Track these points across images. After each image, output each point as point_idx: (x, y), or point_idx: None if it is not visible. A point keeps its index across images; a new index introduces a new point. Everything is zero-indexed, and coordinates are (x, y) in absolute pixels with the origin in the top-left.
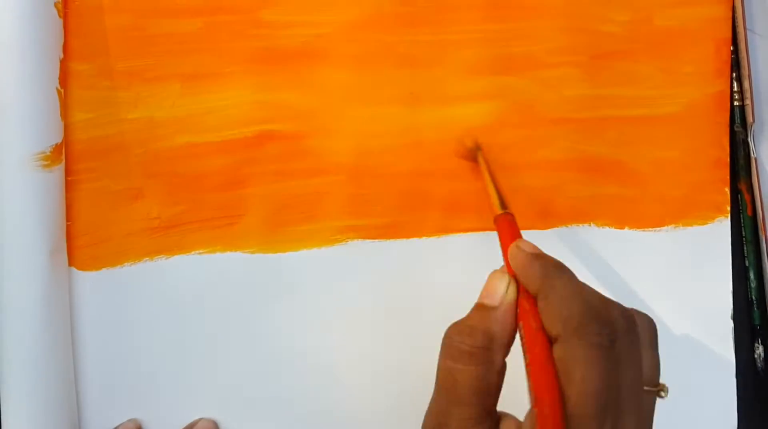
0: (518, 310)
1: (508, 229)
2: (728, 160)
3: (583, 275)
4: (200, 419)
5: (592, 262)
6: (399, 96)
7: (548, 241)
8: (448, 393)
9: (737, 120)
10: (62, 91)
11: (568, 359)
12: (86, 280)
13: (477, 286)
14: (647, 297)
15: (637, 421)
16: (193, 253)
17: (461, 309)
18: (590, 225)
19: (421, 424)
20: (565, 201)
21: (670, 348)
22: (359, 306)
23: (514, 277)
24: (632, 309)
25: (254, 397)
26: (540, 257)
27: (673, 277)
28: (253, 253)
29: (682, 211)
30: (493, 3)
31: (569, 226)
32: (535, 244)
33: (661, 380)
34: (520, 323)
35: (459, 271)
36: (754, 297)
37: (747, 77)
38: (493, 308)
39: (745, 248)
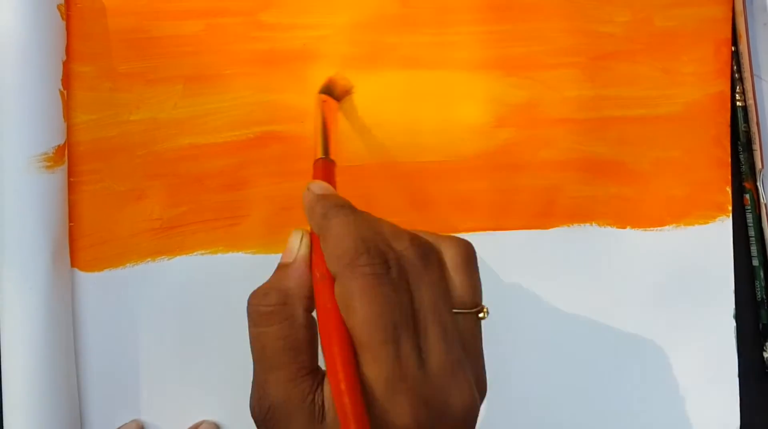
0: (311, 262)
1: (319, 173)
2: (729, 159)
3: (585, 274)
4: (203, 421)
5: (594, 262)
6: (400, 97)
7: (550, 240)
8: (260, 361)
9: (741, 120)
10: (65, 92)
11: (345, 294)
12: (89, 281)
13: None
14: (649, 296)
15: (445, 339)
16: (195, 253)
17: None
18: (592, 225)
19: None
20: (567, 201)
21: (672, 348)
22: None
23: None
24: (441, 235)
25: None
26: (324, 198)
27: (674, 276)
28: (254, 253)
29: (683, 211)
30: (494, 4)
31: (571, 225)
32: (536, 243)
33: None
34: (312, 274)
35: None
36: (763, 296)
37: (756, 123)
38: (287, 265)
39: (754, 247)
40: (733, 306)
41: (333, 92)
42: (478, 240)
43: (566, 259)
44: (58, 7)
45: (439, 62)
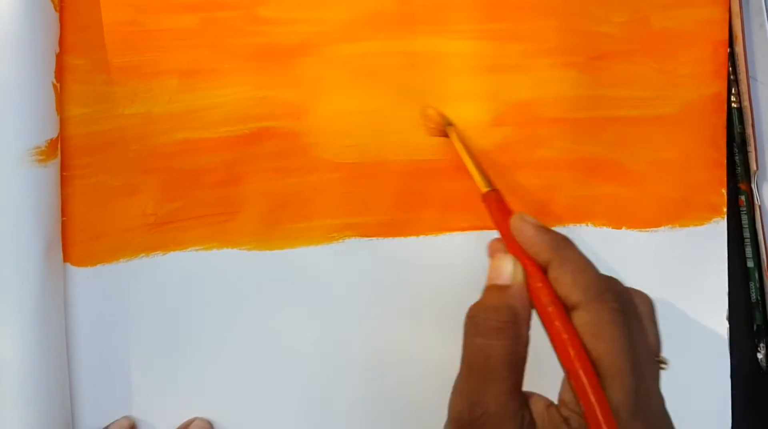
0: (528, 287)
1: (499, 206)
2: (724, 161)
3: None
4: (195, 418)
5: None
6: (397, 94)
7: None
8: (480, 370)
9: (736, 122)
10: (58, 85)
11: (595, 323)
12: (81, 276)
13: (474, 285)
14: None
15: (657, 386)
16: (189, 249)
17: (458, 307)
18: (587, 225)
19: (447, 408)
20: (563, 201)
21: (665, 349)
22: (356, 304)
23: (516, 253)
24: (629, 287)
25: (249, 395)
26: (547, 229)
27: (669, 277)
28: (249, 250)
29: (678, 212)
30: (492, 3)
31: (566, 225)
32: None
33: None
34: (534, 300)
35: (456, 269)
36: (758, 298)
37: (751, 125)
38: (507, 287)
39: (749, 249)
40: (727, 307)
41: (451, 122)
42: (473, 239)
43: None
44: None
45: (436, 60)
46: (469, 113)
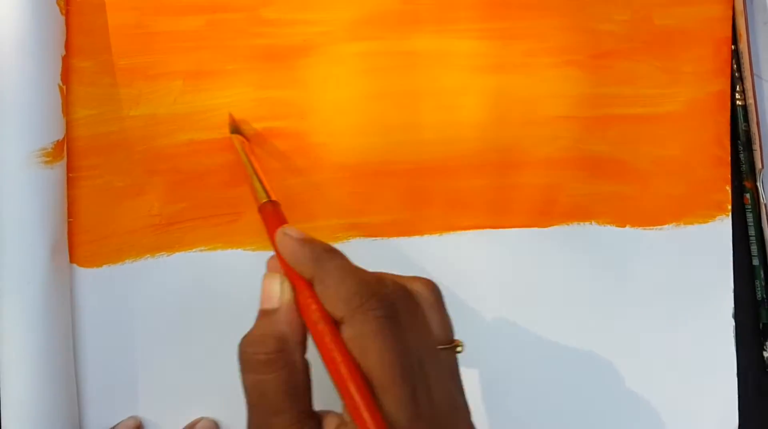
0: (298, 306)
1: (274, 217)
2: (729, 158)
3: (584, 273)
4: (201, 418)
5: (593, 261)
6: (400, 93)
7: (549, 239)
8: (260, 406)
9: (741, 119)
10: (64, 87)
11: (360, 336)
12: (87, 277)
13: (479, 283)
14: (648, 295)
15: (442, 375)
16: (194, 250)
17: (462, 305)
18: (591, 223)
19: None
20: (566, 199)
21: (671, 347)
22: None
23: (285, 271)
24: (407, 277)
25: None
26: (308, 242)
27: (674, 275)
28: (254, 250)
29: (683, 210)
30: (494, 2)
31: (570, 224)
32: (535, 242)
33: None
34: (304, 318)
35: (461, 268)
36: (764, 296)
37: (756, 123)
38: (274, 311)
39: (754, 247)
40: (732, 305)
41: (240, 130)
42: (477, 238)
43: (565, 257)
44: (58, 2)
45: (439, 59)
46: (472, 112)
